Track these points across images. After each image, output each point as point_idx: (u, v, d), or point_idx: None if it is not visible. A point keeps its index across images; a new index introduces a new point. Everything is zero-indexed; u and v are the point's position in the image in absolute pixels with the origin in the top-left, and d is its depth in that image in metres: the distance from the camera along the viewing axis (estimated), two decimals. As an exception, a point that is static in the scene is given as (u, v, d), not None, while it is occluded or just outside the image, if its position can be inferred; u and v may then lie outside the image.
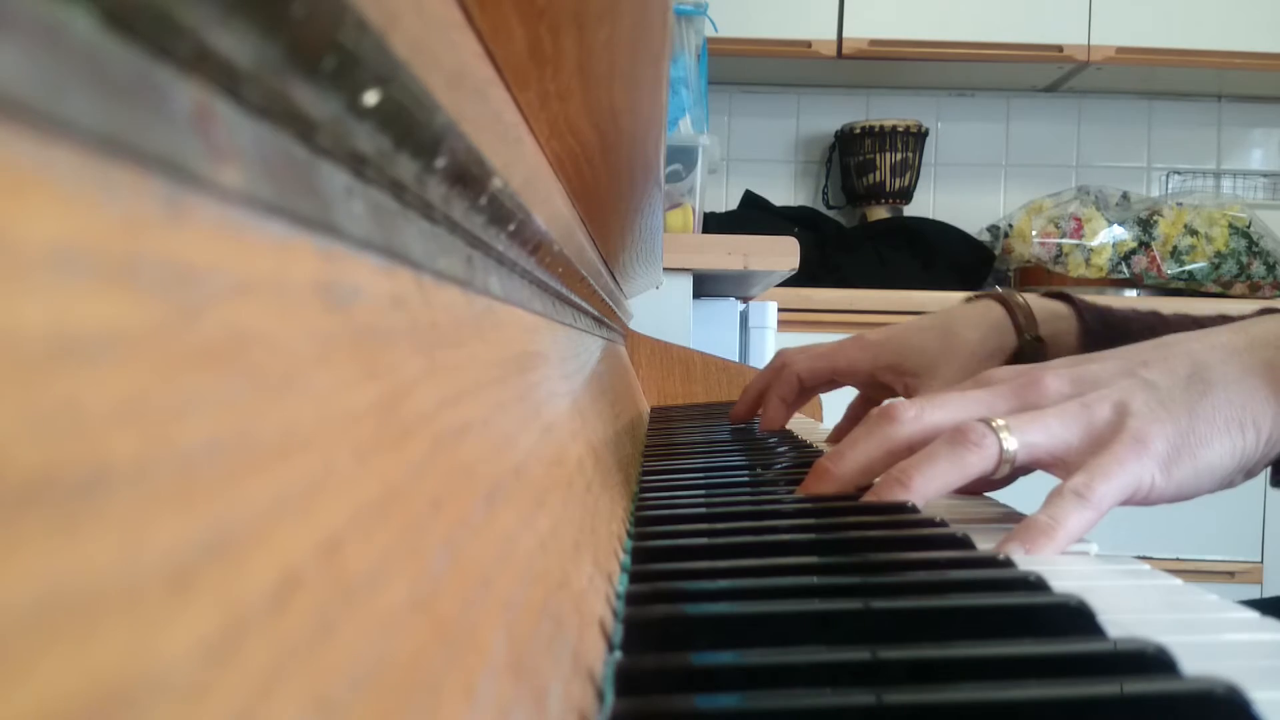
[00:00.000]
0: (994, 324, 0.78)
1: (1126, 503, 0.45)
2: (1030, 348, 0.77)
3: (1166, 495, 0.46)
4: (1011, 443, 0.47)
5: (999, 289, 0.82)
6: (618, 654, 0.27)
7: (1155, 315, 0.82)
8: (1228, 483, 0.47)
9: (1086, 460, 0.46)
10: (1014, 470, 0.48)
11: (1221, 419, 0.46)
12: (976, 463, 0.47)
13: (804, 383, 0.79)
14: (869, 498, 0.48)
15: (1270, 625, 0.33)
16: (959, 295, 2.56)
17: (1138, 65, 2.49)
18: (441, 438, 0.20)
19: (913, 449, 0.49)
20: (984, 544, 0.42)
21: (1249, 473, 0.48)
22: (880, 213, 2.62)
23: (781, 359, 0.81)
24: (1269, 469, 0.50)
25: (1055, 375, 0.50)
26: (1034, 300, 0.80)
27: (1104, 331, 0.78)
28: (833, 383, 0.82)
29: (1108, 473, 0.44)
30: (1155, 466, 0.45)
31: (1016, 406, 0.50)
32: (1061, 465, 0.47)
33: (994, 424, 0.47)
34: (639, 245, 0.87)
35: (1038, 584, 0.32)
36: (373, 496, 0.15)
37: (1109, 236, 2.43)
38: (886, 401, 0.52)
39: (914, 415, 0.50)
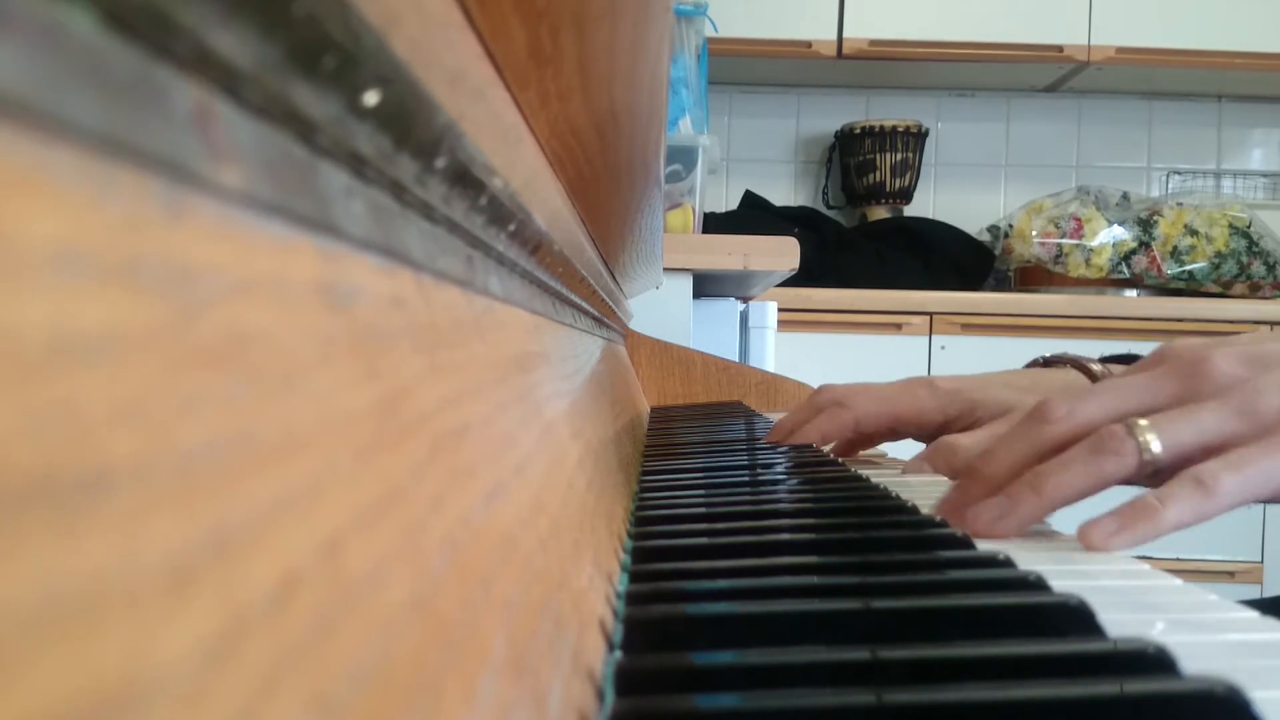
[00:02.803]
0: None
1: (1272, 500, 0.43)
2: None
3: None
4: (1154, 445, 0.44)
5: (1069, 356, 0.75)
6: (618, 654, 0.27)
7: None
8: None
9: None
10: (1162, 471, 0.45)
11: None
12: (1113, 470, 0.45)
13: (860, 427, 0.70)
14: (999, 502, 0.45)
15: (1270, 625, 0.33)
16: (959, 295, 2.54)
17: (1138, 65, 2.49)
18: (441, 438, 0.20)
19: (1062, 449, 0.47)
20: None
21: None
22: (880, 213, 2.62)
23: (834, 396, 0.70)
24: None
25: (1225, 355, 0.46)
26: (1114, 369, 0.72)
27: None
28: (893, 431, 0.72)
29: (1241, 464, 0.42)
30: None
31: (1178, 393, 0.46)
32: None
33: (1135, 426, 0.45)
34: (639, 245, 0.87)
35: (1038, 584, 0.32)
36: (373, 496, 0.15)
37: (1109, 236, 2.43)
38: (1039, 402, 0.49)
39: (1065, 413, 0.48)
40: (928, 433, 0.70)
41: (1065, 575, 0.35)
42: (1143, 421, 0.44)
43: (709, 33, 1.75)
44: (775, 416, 0.92)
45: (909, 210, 2.67)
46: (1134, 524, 0.41)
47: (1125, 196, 2.56)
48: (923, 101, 2.76)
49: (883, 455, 0.77)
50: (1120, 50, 2.46)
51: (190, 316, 0.11)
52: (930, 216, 2.66)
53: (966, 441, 0.65)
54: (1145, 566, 0.42)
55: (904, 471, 0.65)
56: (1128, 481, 0.46)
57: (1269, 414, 0.43)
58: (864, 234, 2.54)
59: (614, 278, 0.87)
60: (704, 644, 0.28)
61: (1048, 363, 0.76)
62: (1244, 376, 0.45)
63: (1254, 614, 0.34)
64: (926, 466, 0.64)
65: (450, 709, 0.15)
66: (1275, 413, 0.43)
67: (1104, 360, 0.75)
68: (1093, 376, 0.72)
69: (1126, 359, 0.75)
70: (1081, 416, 0.47)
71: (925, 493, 0.53)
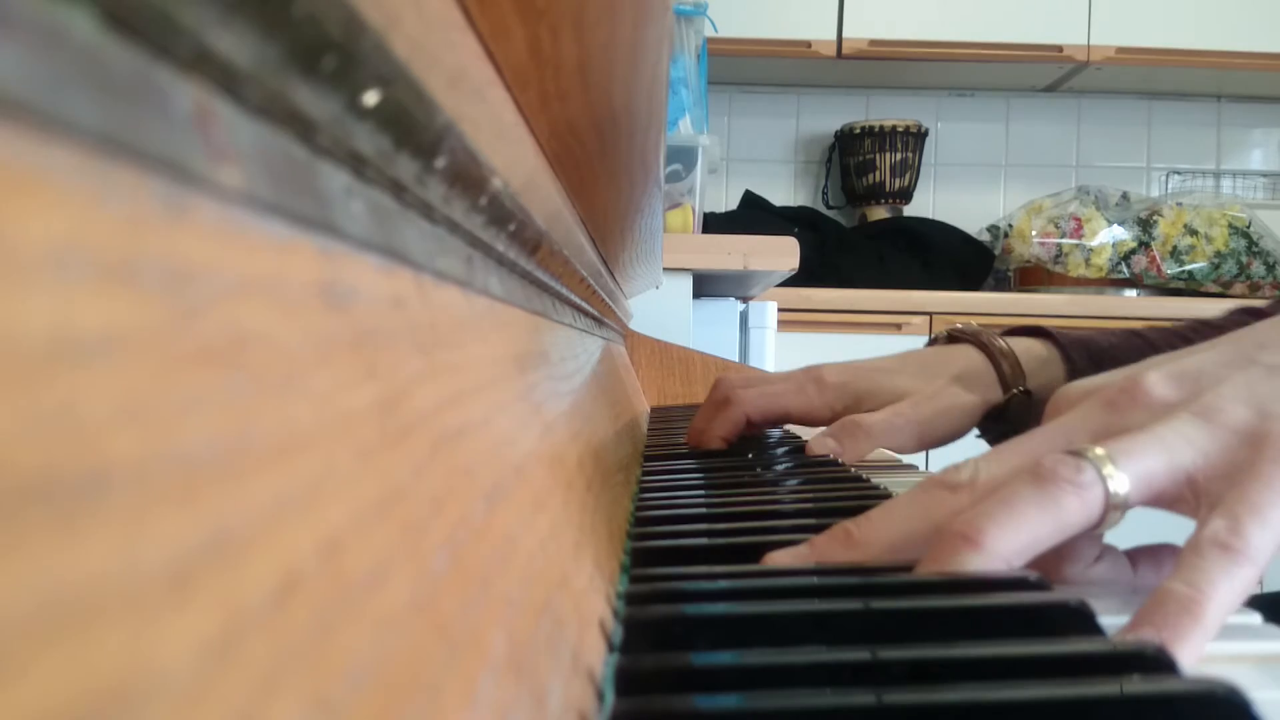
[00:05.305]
0: (977, 373, 0.69)
1: None
2: (1018, 403, 0.68)
3: None
4: (1120, 480, 0.33)
5: (972, 329, 0.72)
6: (617, 654, 0.27)
7: (1138, 337, 0.74)
8: None
9: (1225, 492, 0.32)
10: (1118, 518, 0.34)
11: None
12: (1076, 509, 0.33)
13: (753, 422, 0.70)
14: (926, 564, 0.33)
15: (1271, 629, 0.33)
16: (959, 295, 2.53)
17: (1138, 65, 2.50)
18: (441, 438, 0.20)
19: None
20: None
21: None
22: (880, 213, 2.63)
23: (724, 393, 0.70)
24: None
25: (1155, 374, 0.36)
26: (1016, 345, 0.70)
27: (1091, 370, 0.69)
28: (786, 423, 0.72)
29: (1258, 506, 0.31)
30: None
31: (1110, 426, 0.36)
32: (1193, 499, 0.34)
33: (1090, 454, 0.33)
34: (639, 245, 0.87)
35: (1038, 584, 0.32)
36: (373, 496, 0.15)
37: (1109, 236, 2.43)
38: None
39: (968, 477, 0.36)
40: (818, 424, 0.69)
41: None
42: (1096, 450, 0.33)
43: (709, 33, 1.75)
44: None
45: (909, 210, 2.67)
46: (1176, 626, 0.29)
47: (1125, 196, 2.57)
48: (922, 101, 2.76)
49: (885, 458, 0.77)
50: (1120, 50, 2.46)
51: (190, 316, 0.11)
52: (930, 216, 2.66)
53: (868, 421, 0.65)
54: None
55: (809, 449, 0.65)
56: (1085, 532, 0.34)
57: (1238, 432, 0.33)
58: (864, 234, 2.54)
59: (614, 277, 0.87)
60: (704, 644, 0.28)
61: (950, 338, 0.73)
62: (1181, 397, 0.36)
63: (1255, 615, 0.33)
64: (830, 442, 0.64)
65: (450, 709, 0.15)
66: (1243, 430, 0.33)
67: (1007, 333, 0.73)
68: (991, 353, 0.70)
69: (1037, 331, 0.73)
70: (987, 481, 0.36)
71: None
